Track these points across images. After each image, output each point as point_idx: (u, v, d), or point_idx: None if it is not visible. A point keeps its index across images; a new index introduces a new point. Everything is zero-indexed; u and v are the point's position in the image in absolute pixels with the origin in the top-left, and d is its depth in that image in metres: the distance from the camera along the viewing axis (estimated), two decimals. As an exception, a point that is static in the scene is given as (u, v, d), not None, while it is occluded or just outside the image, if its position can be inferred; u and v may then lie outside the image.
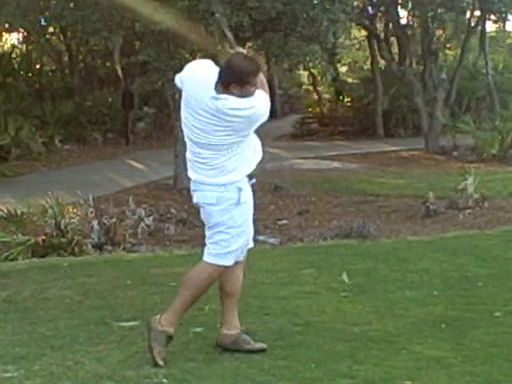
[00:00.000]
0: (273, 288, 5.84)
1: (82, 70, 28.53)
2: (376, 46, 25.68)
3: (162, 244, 10.57)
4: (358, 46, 32.96)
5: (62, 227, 9.40)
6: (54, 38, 26.49)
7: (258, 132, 4.27)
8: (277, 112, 32.14)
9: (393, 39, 25.65)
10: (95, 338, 4.64)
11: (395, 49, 25.99)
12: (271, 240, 10.22)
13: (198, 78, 4.16)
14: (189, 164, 4.28)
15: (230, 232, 4.19)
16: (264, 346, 4.39)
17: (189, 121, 4.17)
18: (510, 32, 34.71)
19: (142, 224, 11.36)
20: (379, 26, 25.57)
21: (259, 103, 4.08)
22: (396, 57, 24.82)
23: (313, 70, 32.55)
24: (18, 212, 10.02)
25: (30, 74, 27.38)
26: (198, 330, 4.72)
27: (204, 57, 10.82)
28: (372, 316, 5.07)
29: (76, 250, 9.12)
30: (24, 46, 27.60)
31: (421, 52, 24.26)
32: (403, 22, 24.10)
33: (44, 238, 9.23)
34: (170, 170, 16.07)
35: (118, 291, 5.79)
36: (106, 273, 6.57)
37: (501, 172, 16.93)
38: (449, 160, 20.13)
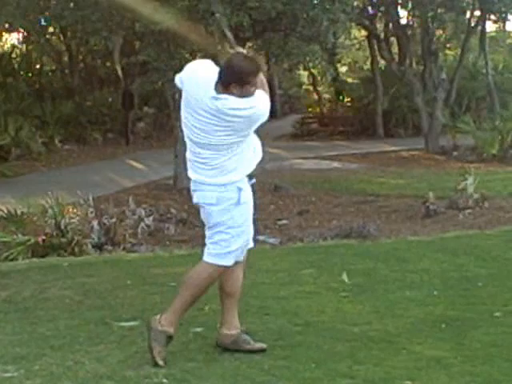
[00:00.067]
0: (273, 288, 5.84)
1: (82, 69, 28.54)
2: (376, 46, 25.68)
3: (162, 244, 10.57)
4: (358, 45, 32.96)
5: (62, 227, 9.40)
6: (54, 38, 26.49)
7: (257, 132, 4.27)
8: (277, 112, 32.14)
9: (393, 39, 25.65)
10: (95, 337, 4.64)
11: (395, 49, 25.98)
12: (271, 240, 10.22)
13: (198, 77, 4.16)
14: (189, 164, 4.29)
15: (230, 232, 4.19)
16: (264, 345, 4.39)
17: (189, 121, 4.17)
18: (509, 32, 34.71)
19: (142, 224, 11.36)
20: (379, 25, 25.58)
21: (259, 103, 4.08)
22: (396, 57, 24.82)
23: (313, 70, 32.55)
24: (18, 212, 10.02)
25: (30, 74, 27.39)
26: (198, 329, 4.72)
27: (204, 57, 10.82)
28: (372, 316, 5.07)
29: (76, 249, 9.12)
30: (24, 45, 27.60)
31: (421, 52, 24.26)
32: (403, 21, 24.12)
33: (44, 238, 9.23)
34: (170, 170, 16.07)
35: (118, 291, 5.79)
36: (106, 273, 6.57)
37: (501, 172, 16.93)
38: (449, 160, 20.13)
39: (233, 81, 4.02)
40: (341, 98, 30.85)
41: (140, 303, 5.42)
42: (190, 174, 4.27)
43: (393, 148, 23.18)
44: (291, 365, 4.15)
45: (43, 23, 19.40)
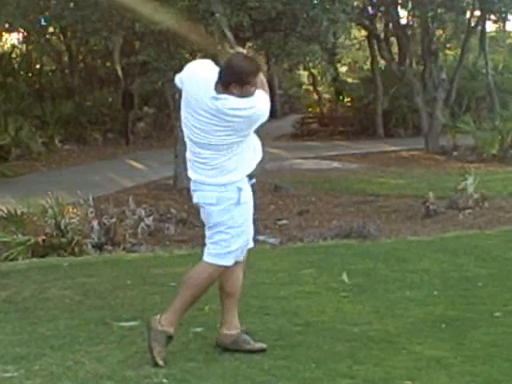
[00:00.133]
0: (273, 288, 5.84)
1: (82, 69, 28.53)
2: (376, 46, 25.68)
3: (162, 244, 10.57)
4: (358, 46, 32.97)
5: (62, 227, 9.40)
6: (53, 38, 26.49)
7: (257, 132, 4.27)
8: (277, 112, 32.13)
9: (393, 39, 25.65)
10: (95, 338, 4.65)
11: (395, 49, 25.98)
12: (271, 240, 10.21)
13: (198, 78, 4.16)
14: (189, 164, 4.29)
15: (230, 232, 4.19)
16: (264, 345, 4.39)
17: (189, 121, 4.17)
18: (509, 32, 34.72)
19: (142, 224, 11.35)
20: (379, 25, 25.57)
21: (259, 103, 4.08)
22: (396, 57, 24.82)
23: (313, 70, 32.54)
24: (18, 212, 10.01)
25: (30, 74, 27.39)
26: (198, 329, 4.72)
27: (204, 57, 10.82)
28: (372, 316, 5.07)
29: (76, 249, 9.12)
30: (24, 45, 27.59)
31: (421, 52, 24.27)
32: (403, 21, 24.12)
33: (44, 238, 9.22)
34: (170, 170, 16.07)
35: (118, 291, 5.79)
36: (105, 273, 6.57)
37: (501, 172, 16.93)
38: (449, 160, 20.13)
39: (233, 81, 4.01)
40: (341, 97, 30.86)
41: (140, 303, 5.42)
42: (190, 174, 4.27)
43: (393, 148, 23.18)
44: (291, 365, 4.16)
45: (43, 23, 19.39)
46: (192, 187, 4.29)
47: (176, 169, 15.43)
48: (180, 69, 4.40)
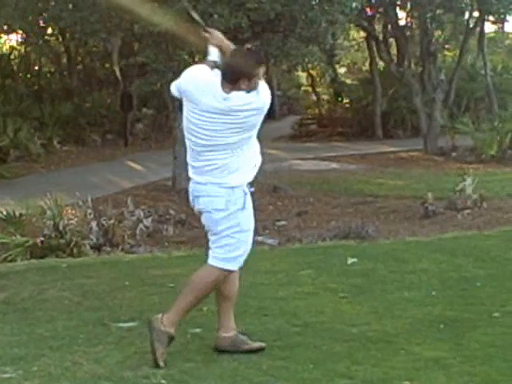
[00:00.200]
0: (271, 289, 5.85)
1: (80, 71, 28.51)
2: (375, 47, 25.68)
3: (161, 245, 10.56)
4: (356, 47, 32.99)
5: (61, 228, 9.39)
6: (52, 39, 26.46)
7: (257, 132, 4.29)
8: (275, 113, 32.12)
9: (391, 40, 25.66)
10: (93, 338, 4.65)
11: (394, 50, 25.99)
12: (270, 241, 10.21)
13: (198, 83, 4.20)
14: (193, 170, 4.28)
15: (237, 237, 4.22)
16: (263, 344, 4.42)
17: (196, 125, 4.18)
18: (508, 33, 34.72)
19: (141, 225, 11.34)
20: (378, 27, 25.56)
21: (265, 92, 4.17)
22: (395, 58, 24.82)
23: (311, 71, 32.59)
24: (17, 213, 10.01)
25: (28, 76, 27.35)
26: (197, 330, 4.73)
27: (203, 58, 10.80)
28: (370, 316, 5.07)
29: (74, 251, 9.11)
30: (23, 47, 27.58)
31: (419, 53, 24.26)
32: (402, 23, 24.09)
33: (42, 239, 9.21)
34: (168, 171, 16.06)
35: (117, 292, 5.79)
36: (104, 274, 6.57)
37: (499, 173, 16.94)
38: (447, 161, 20.13)
39: (242, 75, 4.09)
40: (339, 99, 30.85)
41: (138, 304, 5.42)
42: (195, 177, 4.26)
43: (391, 149, 23.17)
44: (290, 365, 4.16)
45: (42, 24, 19.38)
46: (195, 193, 4.28)
47: (175, 170, 15.42)
48: (179, 71, 4.41)
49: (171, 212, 12.81)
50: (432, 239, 8.32)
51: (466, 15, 23.09)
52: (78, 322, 5.00)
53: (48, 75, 28.55)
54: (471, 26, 23.28)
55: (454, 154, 20.73)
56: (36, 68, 28.11)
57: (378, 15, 24.40)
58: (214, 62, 4.33)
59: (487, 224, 10.55)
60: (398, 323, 4.91)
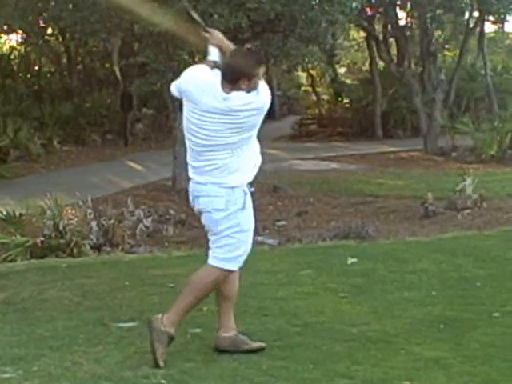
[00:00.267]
0: (271, 289, 5.85)
1: (80, 71, 28.51)
2: (375, 47, 25.68)
3: (161, 245, 10.56)
4: (356, 47, 32.98)
5: (61, 228, 9.39)
6: (52, 39, 26.46)
7: (257, 133, 4.29)
8: (275, 113, 32.12)
9: (391, 40, 25.65)
10: (93, 338, 4.65)
11: (394, 50, 25.98)
12: (270, 241, 10.21)
13: (198, 83, 4.20)
14: (193, 169, 4.28)
15: (237, 237, 4.22)
16: (263, 344, 4.42)
17: (196, 125, 4.18)
18: (508, 33, 34.73)
19: (141, 225, 11.34)
20: (378, 27, 25.56)
21: (265, 92, 4.17)
22: (395, 58, 24.81)
23: (311, 71, 32.59)
24: (17, 213, 10.00)
25: (28, 76, 27.35)
26: (197, 330, 4.73)
27: (203, 57, 10.80)
28: (370, 316, 5.07)
29: (74, 251, 9.11)
30: (23, 47, 27.58)
31: (419, 53, 24.26)
32: (402, 23, 24.09)
33: (42, 239, 9.22)
34: (168, 171, 16.06)
35: (117, 292, 5.79)
36: (104, 274, 6.57)
37: (499, 173, 16.94)
38: (447, 161, 20.13)
39: (242, 75, 4.09)
40: (339, 99, 30.85)
41: (138, 304, 5.42)
42: (195, 177, 4.26)
43: (391, 149, 23.17)
44: (290, 365, 4.16)
45: (42, 24, 19.38)
46: (195, 193, 4.28)
47: (175, 170, 15.41)
48: (179, 71, 4.42)
49: (171, 212, 12.81)
50: (432, 239, 8.32)
51: (466, 15, 23.09)
52: (77, 322, 5.00)
53: (48, 75, 28.54)
54: (471, 26, 23.27)
55: (454, 154, 20.73)
56: (36, 68, 28.11)
57: (378, 15, 24.40)
58: (214, 62, 4.33)
59: (487, 224, 10.55)
60: (398, 323, 4.91)
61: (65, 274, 6.59)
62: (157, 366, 4.10)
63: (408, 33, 23.94)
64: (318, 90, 33.33)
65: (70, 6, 15.74)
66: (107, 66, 26.79)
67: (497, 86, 25.05)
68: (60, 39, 26.40)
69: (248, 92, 4.10)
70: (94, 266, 7.03)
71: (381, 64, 27.26)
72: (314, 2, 14.80)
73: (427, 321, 4.95)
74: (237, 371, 4.09)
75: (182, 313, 4.26)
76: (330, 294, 5.68)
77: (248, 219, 4.26)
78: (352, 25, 23.68)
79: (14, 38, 27.85)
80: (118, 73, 21.35)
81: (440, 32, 24.11)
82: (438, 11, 21.62)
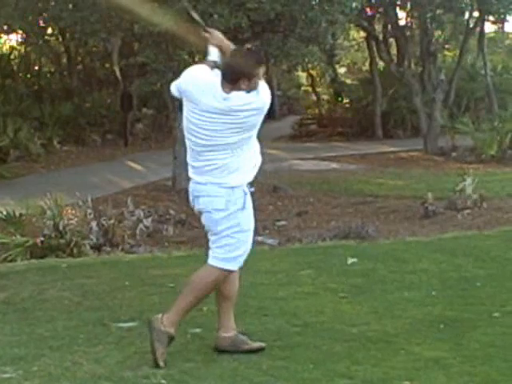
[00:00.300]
0: (271, 289, 5.85)
1: (80, 71, 28.51)
2: (375, 47, 25.68)
3: (161, 245, 10.56)
4: (356, 47, 32.99)
5: (61, 228, 9.38)
6: (52, 39, 26.47)
7: (257, 133, 4.29)
8: (275, 113, 32.11)
9: (391, 40, 25.65)
10: (93, 338, 4.65)
11: (394, 50, 25.98)
12: (270, 241, 10.21)
13: (198, 83, 4.20)
14: (193, 169, 4.28)
15: (237, 237, 4.22)
16: (263, 344, 4.42)
17: (196, 125, 4.18)
18: (508, 33, 34.73)
19: (141, 225, 11.34)
20: (378, 27, 25.57)
21: (265, 92, 4.17)
22: (395, 58, 24.81)
23: (311, 71, 32.59)
24: (17, 213, 10.00)
25: (28, 76, 27.35)
26: (197, 330, 4.73)
27: (203, 57, 10.80)
28: (370, 316, 5.07)
29: (74, 251, 9.11)
30: (23, 47, 27.59)
31: (419, 53, 24.26)
32: (402, 23, 24.09)
33: (42, 239, 9.21)
34: (168, 171, 16.06)
35: (117, 292, 5.79)
36: (104, 274, 6.57)
37: (499, 173, 16.94)
38: (447, 161, 20.13)
39: (242, 75, 4.09)
40: (339, 99, 30.85)
41: (138, 304, 5.42)
42: (195, 177, 4.26)
43: (391, 149, 23.17)
44: (290, 365, 4.16)
45: (42, 24, 19.37)
46: (195, 193, 4.28)
47: (175, 170, 15.41)
48: (179, 71, 4.42)
49: (171, 212, 12.81)
50: (432, 239, 8.32)
51: (466, 15, 23.09)
52: (77, 322, 5.00)
53: (48, 75, 28.54)
54: (471, 26, 23.27)
55: (454, 153, 20.73)
56: (36, 68, 28.11)
57: (378, 15, 24.40)
58: (214, 62, 4.33)
59: (487, 224, 10.55)
60: (398, 323, 4.91)
61: (65, 274, 6.59)
62: (157, 365, 4.10)
63: (408, 33, 23.94)
64: (318, 90, 33.34)
65: (70, 6, 15.74)
66: (107, 66, 26.79)
67: (497, 86, 25.05)
68: (60, 39, 26.41)
69: (248, 92, 4.10)
70: (94, 266, 7.03)
71: (381, 64, 27.26)
72: (313, 2, 14.80)
73: (427, 321, 4.95)
74: (237, 371, 4.09)
75: (182, 313, 4.26)
76: (329, 294, 5.68)
77: (248, 219, 4.26)
78: (352, 25, 23.68)
79: (14, 38, 27.87)
80: (118, 73, 21.35)
81: (440, 32, 24.11)
82: (438, 11, 21.62)
